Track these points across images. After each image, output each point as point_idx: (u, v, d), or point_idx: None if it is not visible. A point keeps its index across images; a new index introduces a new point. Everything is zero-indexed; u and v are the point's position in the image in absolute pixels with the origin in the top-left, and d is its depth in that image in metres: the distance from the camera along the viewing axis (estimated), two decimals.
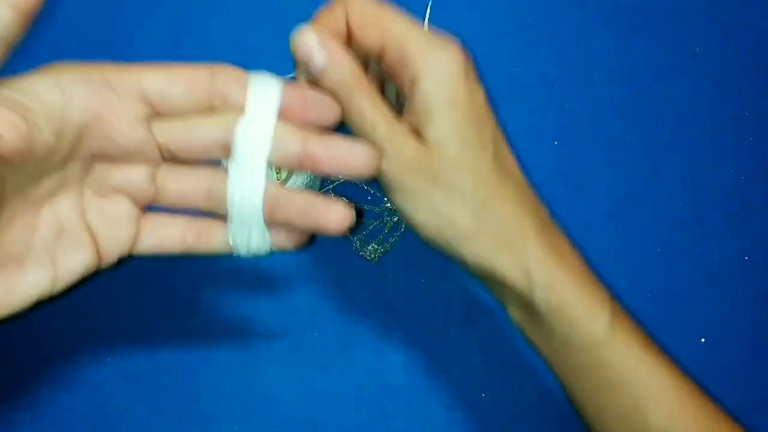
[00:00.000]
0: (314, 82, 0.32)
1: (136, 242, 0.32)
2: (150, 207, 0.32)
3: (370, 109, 0.31)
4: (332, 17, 0.32)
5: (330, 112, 0.32)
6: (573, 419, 0.41)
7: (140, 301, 0.40)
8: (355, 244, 0.41)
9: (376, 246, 0.41)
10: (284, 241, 0.33)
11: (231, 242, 0.32)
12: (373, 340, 0.40)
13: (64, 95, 0.28)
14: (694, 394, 0.33)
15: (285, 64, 0.43)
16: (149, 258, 0.42)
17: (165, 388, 0.40)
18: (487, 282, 0.33)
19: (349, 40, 0.33)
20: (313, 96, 0.32)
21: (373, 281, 0.41)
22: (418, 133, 0.31)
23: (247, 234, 0.32)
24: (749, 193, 0.43)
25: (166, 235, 0.32)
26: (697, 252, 0.43)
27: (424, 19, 0.43)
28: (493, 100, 0.42)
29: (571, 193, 0.43)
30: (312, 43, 0.31)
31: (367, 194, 0.42)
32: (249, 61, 0.42)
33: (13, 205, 0.28)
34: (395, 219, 0.41)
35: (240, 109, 0.30)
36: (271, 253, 0.33)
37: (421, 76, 0.31)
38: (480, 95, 0.32)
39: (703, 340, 0.42)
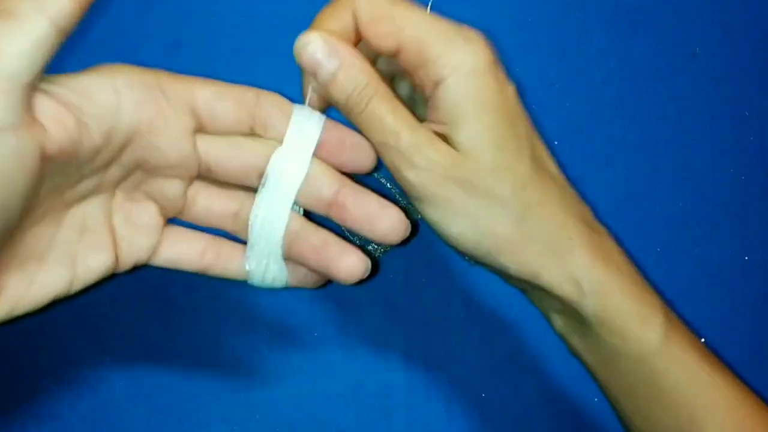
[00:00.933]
0: (324, 91, 0.29)
1: (155, 252, 0.31)
2: (173, 220, 0.32)
3: (390, 116, 0.28)
4: (337, 15, 0.29)
5: (367, 158, 0.31)
6: (573, 419, 0.41)
7: (140, 301, 0.40)
8: (355, 244, 0.41)
9: (376, 246, 0.41)
10: (302, 278, 0.32)
11: (248, 269, 0.31)
12: (373, 340, 0.40)
13: (119, 98, 0.27)
14: (753, 406, 0.31)
15: (287, 64, 0.43)
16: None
17: (165, 388, 0.40)
18: (529, 291, 0.31)
19: (357, 40, 0.29)
20: (352, 138, 0.31)
21: (373, 281, 0.41)
22: (445, 137, 0.29)
23: (265, 264, 0.31)
24: (749, 193, 0.43)
25: (185, 251, 0.31)
26: (697, 252, 0.43)
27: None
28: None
29: None
30: (318, 49, 0.28)
31: None
32: (250, 61, 0.42)
33: (47, 204, 0.27)
34: None
35: (279, 139, 0.30)
36: (287, 288, 0.32)
37: (445, 75, 0.28)
38: (510, 91, 0.29)
39: (703, 340, 0.42)
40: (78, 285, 0.29)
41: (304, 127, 0.30)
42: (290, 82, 0.42)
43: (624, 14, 0.44)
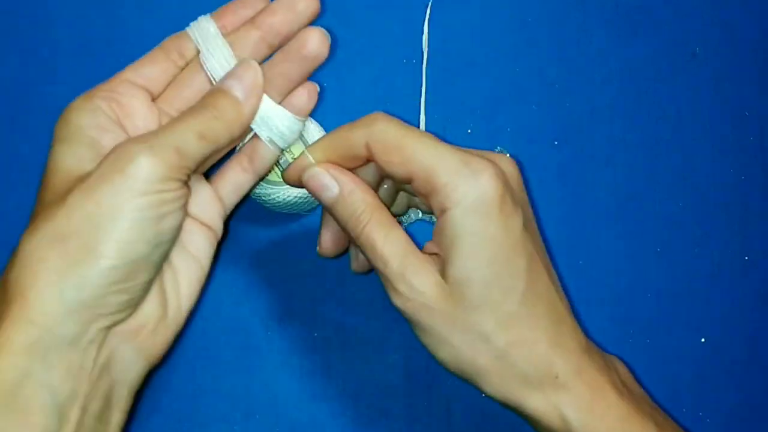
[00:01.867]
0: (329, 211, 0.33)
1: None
2: None
3: (381, 243, 0.31)
4: (352, 140, 0.31)
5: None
6: None
7: None
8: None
9: None
10: (301, 101, 0.34)
11: (269, 142, 0.34)
12: (373, 340, 0.40)
13: None
14: None
15: None
16: None
17: (165, 388, 0.40)
18: (514, 411, 0.31)
19: (369, 159, 0.32)
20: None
21: (373, 281, 0.41)
22: (442, 261, 0.30)
23: (272, 125, 0.34)
24: (749, 193, 0.43)
25: (237, 182, 0.35)
26: (697, 252, 0.43)
27: (424, 19, 0.43)
28: (497, 105, 0.42)
29: (571, 193, 0.43)
30: (322, 177, 0.32)
31: None
32: None
33: None
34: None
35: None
36: (304, 124, 0.35)
37: (449, 207, 0.29)
38: (516, 223, 0.30)
39: (703, 340, 0.42)
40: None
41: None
42: None
43: (624, 14, 0.44)
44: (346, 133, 0.31)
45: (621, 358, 0.36)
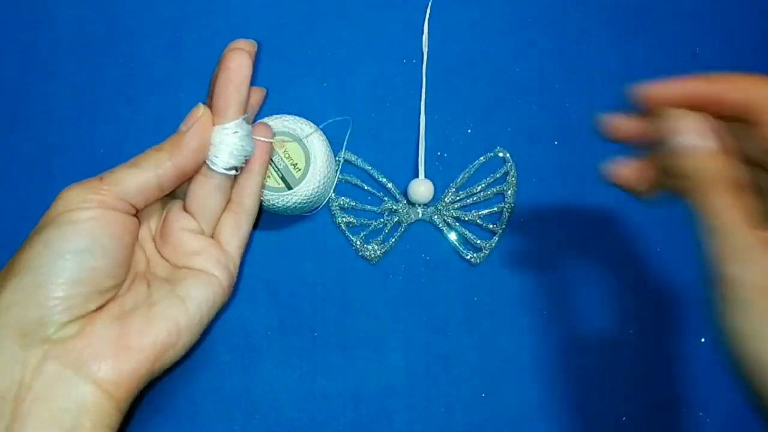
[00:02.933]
0: (664, 160, 0.30)
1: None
2: None
3: (724, 208, 0.28)
4: (729, 92, 0.29)
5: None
6: (573, 419, 0.41)
7: None
8: (355, 244, 0.41)
9: (376, 246, 0.41)
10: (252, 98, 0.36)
11: (236, 168, 0.34)
12: (373, 340, 0.40)
13: None
14: None
15: (285, 64, 0.43)
16: None
17: (165, 388, 0.40)
18: None
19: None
20: None
21: (373, 281, 0.41)
22: None
23: (229, 143, 0.33)
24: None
25: (233, 223, 0.36)
26: (697, 252, 0.43)
27: (425, 19, 0.43)
28: (497, 105, 0.42)
29: (571, 193, 0.43)
30: (690, 128, 0.29)
31: (367, 194, 0.42)
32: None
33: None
34: (395, 219, 0.41)
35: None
36: (247, 123, 0.34)
37: None
38: None
39: (703, 340, 0.42)
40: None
41: None
42: (289, 81, 0.43)
43: (624, 14, 0.44)
44: (721, 85, 0.29)
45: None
